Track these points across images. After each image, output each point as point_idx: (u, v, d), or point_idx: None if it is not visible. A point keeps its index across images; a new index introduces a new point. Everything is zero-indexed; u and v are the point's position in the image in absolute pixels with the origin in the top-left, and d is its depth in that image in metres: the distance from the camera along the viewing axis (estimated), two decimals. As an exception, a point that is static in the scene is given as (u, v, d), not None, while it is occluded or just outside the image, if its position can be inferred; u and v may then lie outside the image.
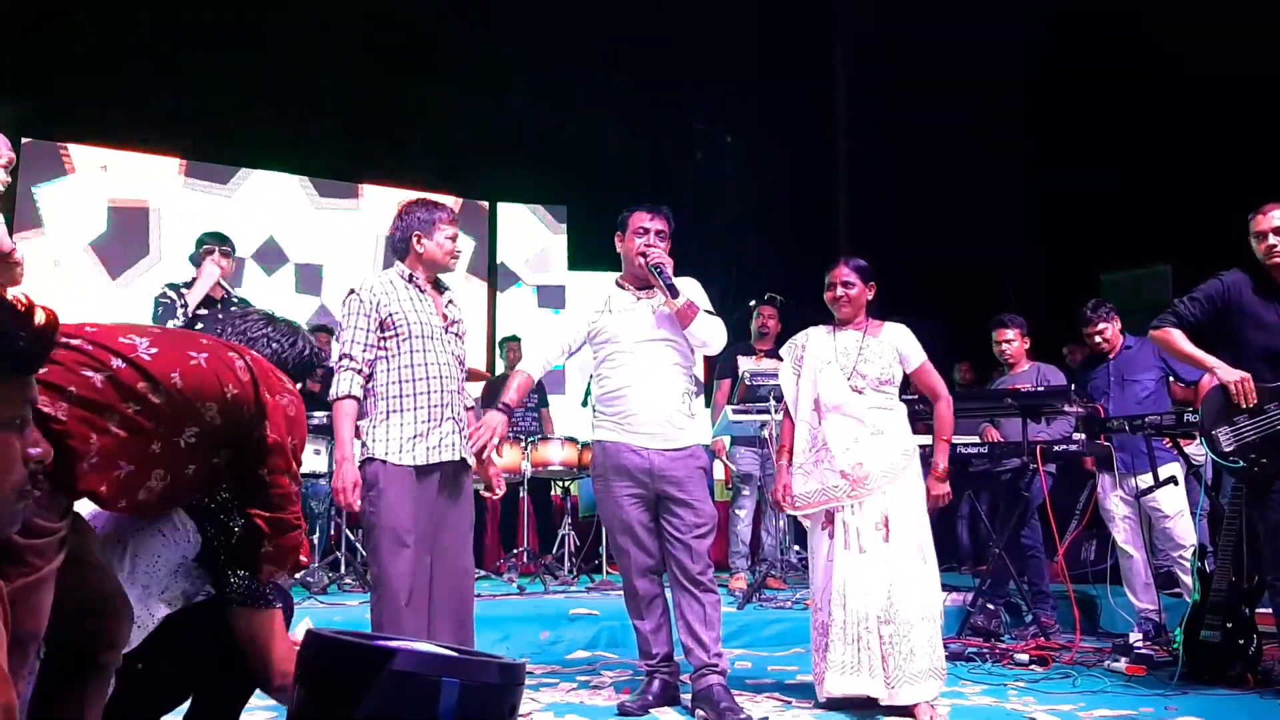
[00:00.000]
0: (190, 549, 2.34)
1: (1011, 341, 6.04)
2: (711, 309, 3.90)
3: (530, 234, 11.18)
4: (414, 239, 3.72)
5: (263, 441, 2.22)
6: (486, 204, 10.87)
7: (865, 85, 11.10)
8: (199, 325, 5.06)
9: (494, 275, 10.95)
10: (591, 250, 10.79)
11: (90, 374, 1.99)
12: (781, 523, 6.76)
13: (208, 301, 5.24)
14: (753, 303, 7.26)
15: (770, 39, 10.39)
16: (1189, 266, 8.67)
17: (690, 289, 3.85)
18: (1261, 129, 7.75)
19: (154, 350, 2.09)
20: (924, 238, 10.09)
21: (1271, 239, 4.04)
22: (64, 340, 1.99)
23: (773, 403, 6.26)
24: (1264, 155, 7.61)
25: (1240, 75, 8.06)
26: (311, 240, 10.08)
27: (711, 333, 3.85)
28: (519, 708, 1.85)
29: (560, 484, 7.81)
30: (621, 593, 3.98)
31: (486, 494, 3.94)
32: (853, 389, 3.98)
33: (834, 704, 3.88)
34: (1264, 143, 7.68)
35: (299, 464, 2.33)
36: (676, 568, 3.82)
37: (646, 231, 3.87)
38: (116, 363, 2.03)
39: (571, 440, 7.34)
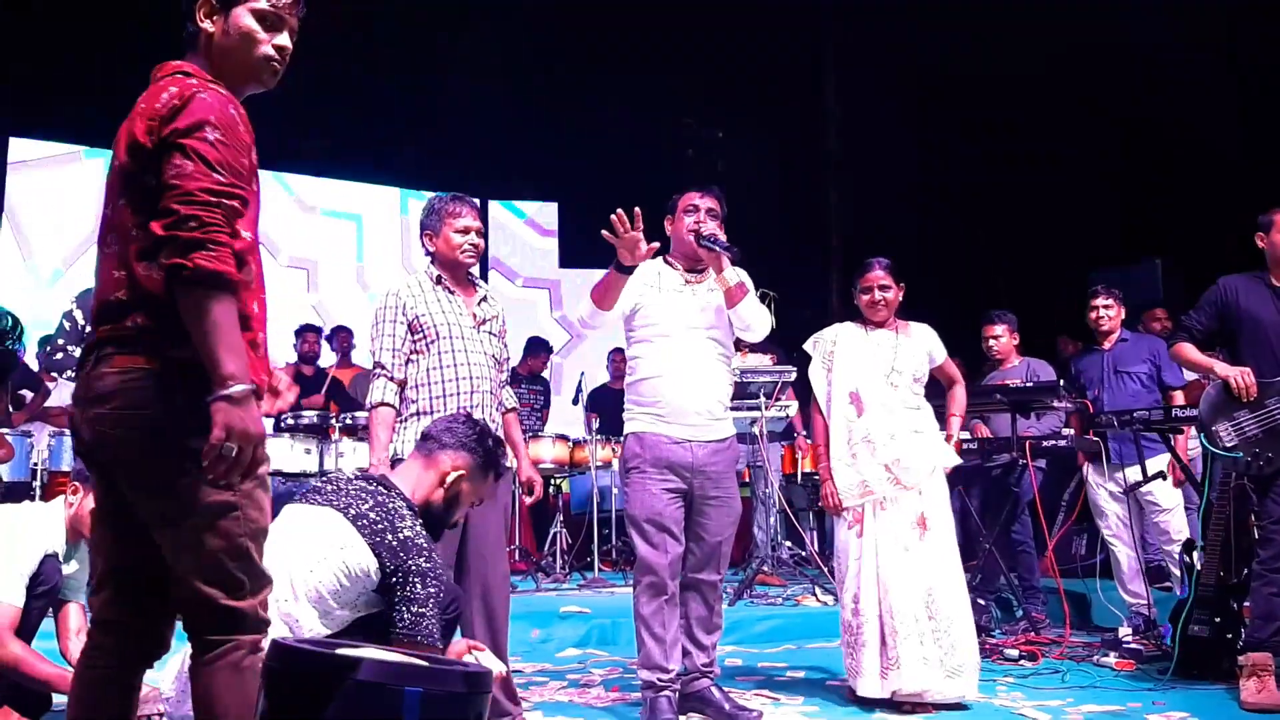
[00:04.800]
0: (370, 583, 2.67)
1: (1000, 338, 6.05)
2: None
3: (521, 231, 11.18)
4: (424, 239, 3.67)
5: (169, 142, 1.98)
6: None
7: (856, 82, 11.09)
8: None
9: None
10: (583, 248, 10.79)
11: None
12: (772, 519, 6.76)
13: None
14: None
15: (762, 35, 10.38)
16: (1179, 261, 8.76)
17: (742, 278, 3.76)
18: (1251, 127, 7.75)
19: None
20: (914, 233, 10.09)
21: None
22: None
23: (763, 399, 6.26)
24: (1255, 153, 7.64)
25: (1230, 76, 8.07)
26: (299, 239, 10.09)
27: (757, 317, 3.73)
28: (485, 715, 1.84)
29: (552, 481, 7.82)
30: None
31: (525, 496, 3.80)
32: (891, 385, 4.07)
33: (872, 704, 3.88)
34: (1255, 140, 7.69)
35: (225, 156, 2.00)
36: (696, 568, 3.73)
37: (697, 209, 3.76)
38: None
39: (563, 438, 7.34)
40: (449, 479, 2.93)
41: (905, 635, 3.79)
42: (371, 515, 2.69)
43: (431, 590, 2.66)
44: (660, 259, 3.85)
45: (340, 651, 1.79)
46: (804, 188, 11.33)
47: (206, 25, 2.12)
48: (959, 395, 4.33)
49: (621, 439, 3.86)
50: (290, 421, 6.77)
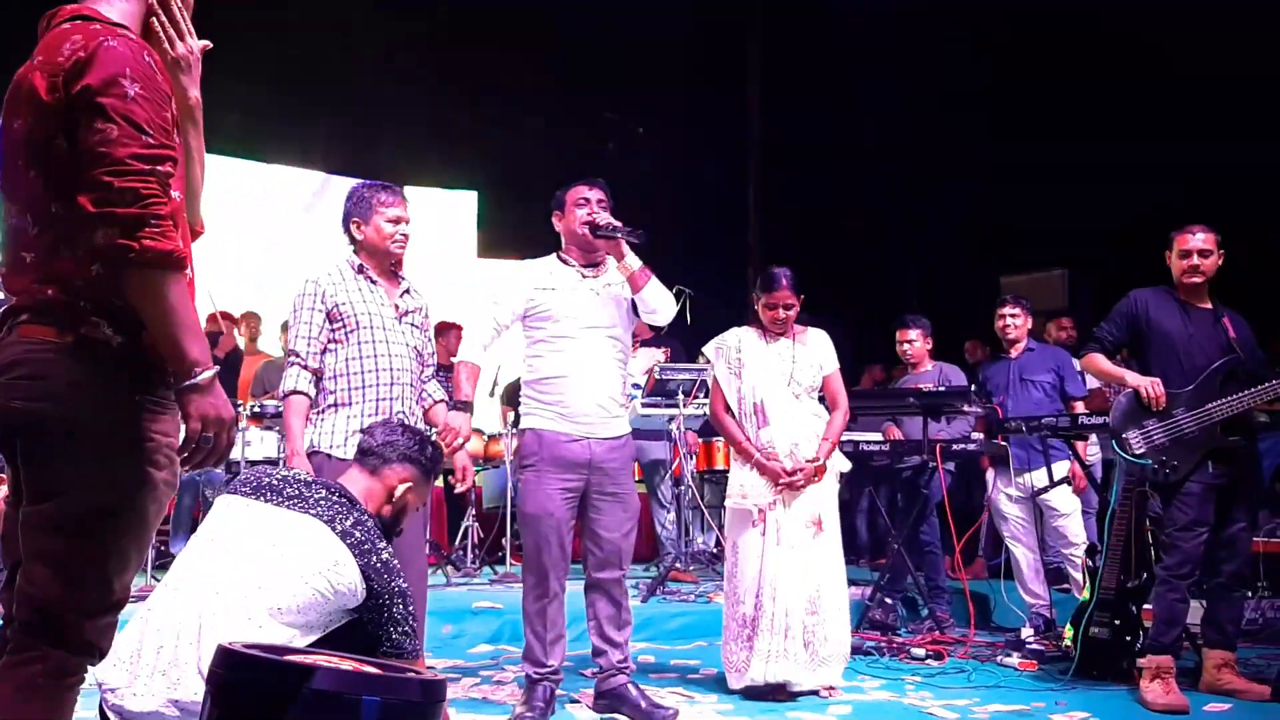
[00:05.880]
0: (353, 601, 2.62)
1: (913, 341, 6.16)
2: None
3: (439, 220, 11.02)
4: (352, 226, 3.58)
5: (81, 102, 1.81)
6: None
7: (778, 83, 11.18)
8: None
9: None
10: (502, 239, 10.69)
11: None
12: (671, 515, 6.80)
13: None
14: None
15: (685, 30, 10.39)
16: (1084, 271, 9.01)
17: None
18: (1158, 140, 7.97)
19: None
20: (833, 238, 10.22)
21: (1196, 259, 4.23)
22: None
23: (681, 397, 6.29)
24: (1161, 165, 7.88)
25: (1137, 85, 8.30)
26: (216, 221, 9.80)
27: (662, 300, 3.73)
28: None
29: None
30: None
31: (457, 483, 3.83)
32: (793, 395, 4.25)
33: (750, 692, 4.07)
34: (1161, 153, 7.91)
35: (149, 113, 1.83)
36: (599, 568, 3.75)
37: (588, 201, 3.74)
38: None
39: (478, 431, 7.25)
40: (397, 492, 2.92)
41: (792, 628, 4.04)
42: (357, 534, 2.66)
43: (410, 610, 2.71)
44: (553, 256, 3.87)
45: (293, 659, 1.73)
46: (724, 185, 11.39)
47: None
48: (839, 423, 4.32)
49: (518, 431, 3.90)
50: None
